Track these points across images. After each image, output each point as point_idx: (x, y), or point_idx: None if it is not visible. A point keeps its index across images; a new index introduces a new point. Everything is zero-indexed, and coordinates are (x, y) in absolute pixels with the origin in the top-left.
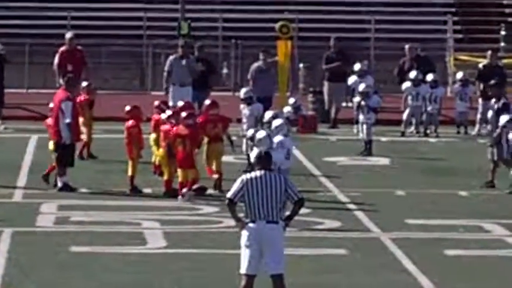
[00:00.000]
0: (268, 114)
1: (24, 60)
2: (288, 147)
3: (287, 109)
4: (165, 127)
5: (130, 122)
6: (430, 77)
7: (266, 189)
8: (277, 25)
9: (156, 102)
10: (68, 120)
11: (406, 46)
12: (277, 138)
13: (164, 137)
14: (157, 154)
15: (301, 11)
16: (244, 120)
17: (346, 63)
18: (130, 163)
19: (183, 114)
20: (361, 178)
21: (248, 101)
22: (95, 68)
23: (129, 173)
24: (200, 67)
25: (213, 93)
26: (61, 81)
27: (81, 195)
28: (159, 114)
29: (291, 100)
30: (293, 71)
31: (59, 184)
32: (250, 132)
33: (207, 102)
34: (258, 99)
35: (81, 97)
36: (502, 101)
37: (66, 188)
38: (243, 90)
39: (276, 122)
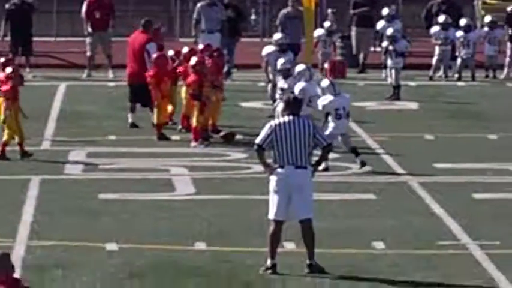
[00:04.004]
0: (281, 61)
1: (52, 9)
2: (310, 94)
3: (320, 31)
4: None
5: (151, 71)
6: (463, 21)
7: (294, 134)
8: None
9: (171, 52)
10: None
11: None
12: (300, 85)
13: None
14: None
15: None
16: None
17: (373, 8)
18: (155, 111)
19: (192, 61)
20: (390, 123)
21: (282, 47)
22: (123, 15)
23: (155, 120)
24: (229, 13)
25: (241, 40)
26: (89, 29)
27: (109, 142)
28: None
29: (326, 23)
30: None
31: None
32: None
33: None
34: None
35: None
36: None
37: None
38: (278, 36)
39: (299, 68)
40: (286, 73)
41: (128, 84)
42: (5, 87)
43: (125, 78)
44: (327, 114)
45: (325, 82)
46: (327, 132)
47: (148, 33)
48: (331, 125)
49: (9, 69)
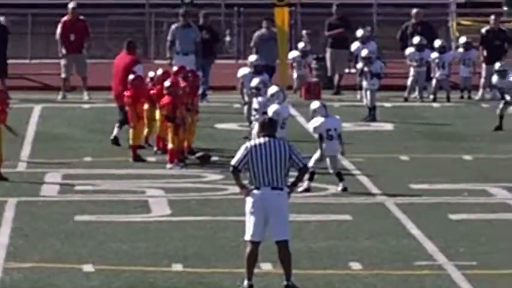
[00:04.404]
0: (256, 81)
1: (27, 31)
2: (284, 116)
3: (295, 53)
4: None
5: (128, 92)
6: (437, 42)
7: (270, 155)
8: None
9: (151, 73)
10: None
11: (414, 10)
12: (273, 107)
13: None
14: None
15: None
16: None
17: (348, 29)
18: (131, 131)
19: (166, 82)
20: (365, 144)
21: (257, 68)
22: (98, 37)
23: (131, 142)
24: (204, 35)
25: (216, 61)
26: (63, 51)
27: (85, 164)
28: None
29: (300, 44)
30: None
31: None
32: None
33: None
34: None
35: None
36: None
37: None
38: (253, 58)
39: (272, 90)
40: (256, 92)
41: (117, 106)
42: None
43: (100, 100)
44: (320, 136)
45: (315, 104)
46: (317, 154)
47: (134, 55)
48: (322, 146)
49: None
